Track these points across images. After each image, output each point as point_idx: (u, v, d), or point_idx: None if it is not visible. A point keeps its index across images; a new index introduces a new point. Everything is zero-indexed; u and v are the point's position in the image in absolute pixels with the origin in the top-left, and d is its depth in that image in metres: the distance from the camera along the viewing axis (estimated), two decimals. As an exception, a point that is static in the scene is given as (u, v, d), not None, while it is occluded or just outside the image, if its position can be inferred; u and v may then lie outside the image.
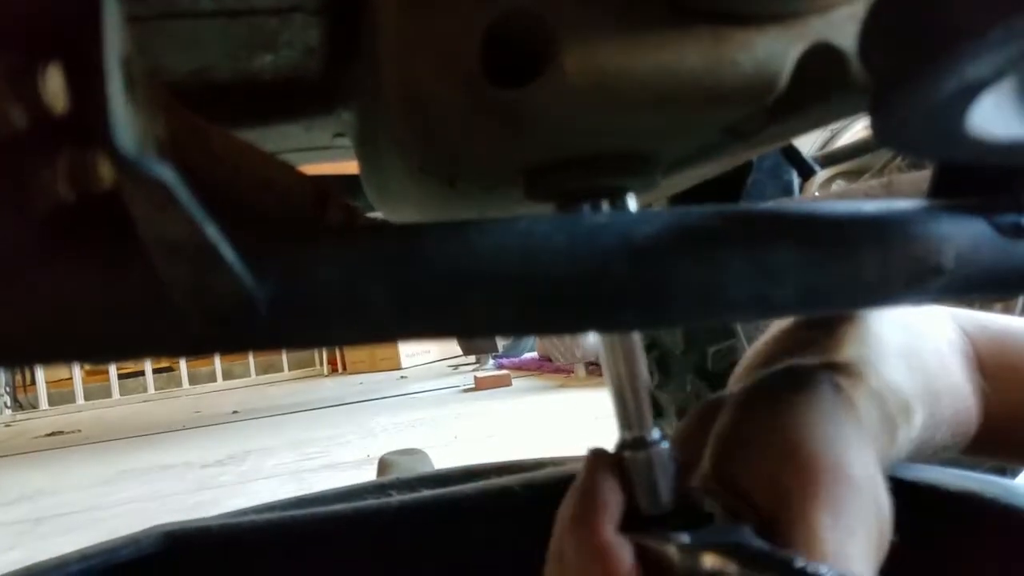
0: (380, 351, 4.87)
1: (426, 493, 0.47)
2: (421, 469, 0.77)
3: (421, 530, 0.45)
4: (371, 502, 0.47)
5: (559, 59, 0.17)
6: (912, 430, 0.30)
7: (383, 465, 0.82)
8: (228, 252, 0.15)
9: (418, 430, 2.37)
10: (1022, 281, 0.23)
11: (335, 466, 2.05)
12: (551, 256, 0.18)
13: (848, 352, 0.30)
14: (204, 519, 0.46)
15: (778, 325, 0.35)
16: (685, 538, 0.25)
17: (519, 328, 0.18)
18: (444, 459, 0.77)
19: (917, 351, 0.32)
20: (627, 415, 0.27)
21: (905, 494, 0.38)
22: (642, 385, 0.27)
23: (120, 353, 0.17)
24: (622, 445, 0.27)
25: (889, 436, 0.29)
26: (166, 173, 0.11)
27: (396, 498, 0.47)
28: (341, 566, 0.45)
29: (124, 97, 0.11)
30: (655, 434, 0.27)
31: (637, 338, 0.26)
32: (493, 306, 0.18)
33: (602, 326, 0.19)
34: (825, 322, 0.32)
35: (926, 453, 0.33)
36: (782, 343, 0.33)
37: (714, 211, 0.20)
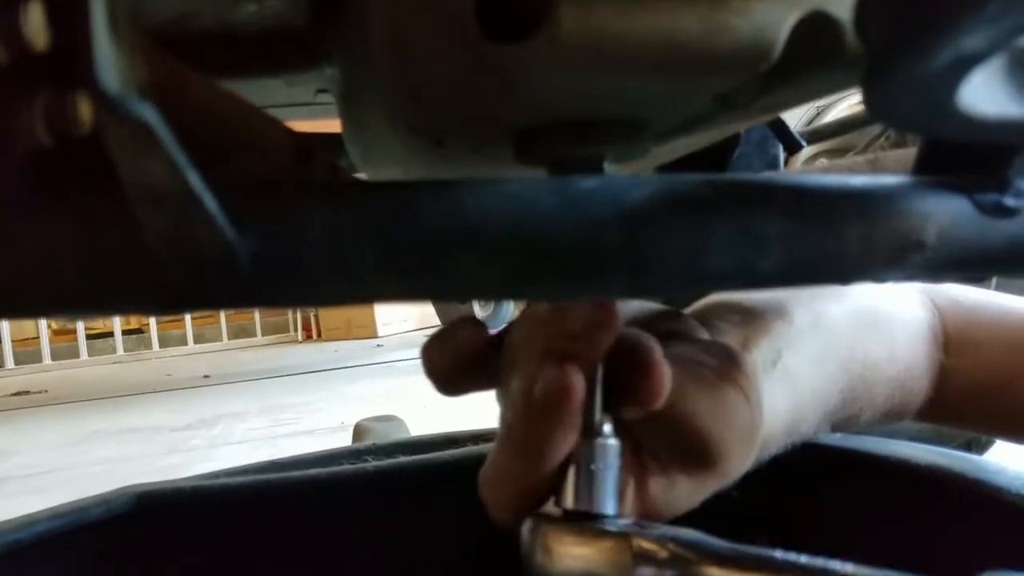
0: (356, 319, 4.85)
1: (403, 459, 0.47)
2: (397, 436, 0.77)
3: (397, 496, 0.45)
4: (347, 467, 0.47)
5: (556, 17, 0.17)
6: (789, 438, 0.33)
7: (359, 431, 0.82)
8: (211, 202, 0.14)
9: (394, 398, 2.38)
10: (1000, 260, 0.23)
11: (309, 432, 2.04)
12: (540, 219, 0.18)
13: (755, 349, 0.32)
14: (176, 480, 0.46)
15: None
16: (615, 525, 0.25)
17: (506, 290, 0.18)
18: (420, 426, 0.77)
19: (857, 344, 0.34)
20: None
21: (875, 467, 0.39)
22: (599, 369, 0.26)
23: (98, 307, 0.16)
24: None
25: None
26: (149, 114, 0.11)
27: (372, 463, 0.47)
28: (315, 530, 0.45)
29: (107, 35, 0.11)
30: (606, 427, 0.26)
31: None
32: (480, 267, 0.17)
33: (589, 291, 0.19)
34: (748, 307, 0.34)
35: (847, 428, 0.37)
36: (702, 315, 0.34)
37: (703, 179, 0.20)
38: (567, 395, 0.24)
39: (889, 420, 0.36)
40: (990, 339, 0.37)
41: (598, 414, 0.26)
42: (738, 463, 0.30)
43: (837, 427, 0.36)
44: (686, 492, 0.30)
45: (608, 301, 0.25)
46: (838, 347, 0.33)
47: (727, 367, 0.29)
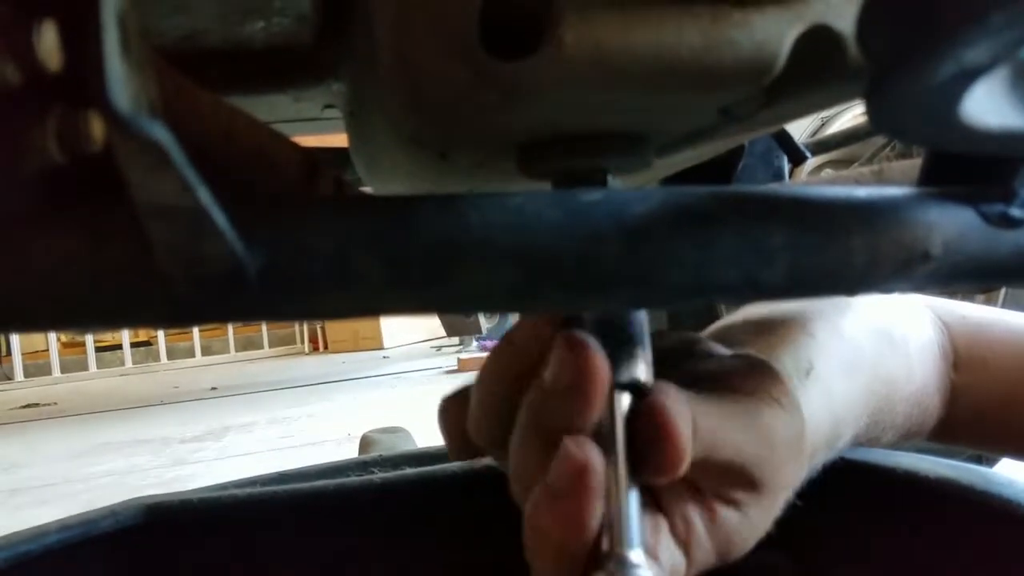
0: (363, 330, 4.86)
1: (409, 471, 0.47)
2: (403, 447, 0.77)
3: (403, 508, 0.45)
4: (353, 479, 0.47)
5: (558, 32, 0.17)
6: (830, 451, 0.32)
7: (365, 443, 0.82)
8: (220, 218, 0.14)
9: (400, 409, 2.38)
10: (1006, 271, 0.23)
11: (316, 444, 2.05)
12: (544, 231, 0.18)
13: (784, 360, 0.31)
14: (184, 492, 0.46)
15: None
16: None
17: (510, 303, 0.18)
18: (426, 439, 0.77)
19: (879, 363, 0.34)
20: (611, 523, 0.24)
21: (882, 479, 0.38)
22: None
23: (107, 320, 0.17)
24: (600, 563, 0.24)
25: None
26: (161, 133, 0.11)
27: (378, 475, 0.47)
28: (322, 542, 0.45)
29: (119, 55, 0.11)
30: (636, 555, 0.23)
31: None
32: (485, 280, 0.18)
33: (593, 303, 0.19)
34: (768, 323, 0.33)
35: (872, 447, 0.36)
36: (721, 336, 0.33)
37: (707, 191, 0.20)
38: (585, 474, 0.23)
39: (906, 440, 0.35)
40: (998, 356, 0.36)
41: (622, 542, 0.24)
42: (793, 474, 0.29)
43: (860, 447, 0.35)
44: (759, 514, 0.28)
45: (585, 355, 0.22)
46: (862, 363, 0.33)
47: (758, 379, 0.28)
